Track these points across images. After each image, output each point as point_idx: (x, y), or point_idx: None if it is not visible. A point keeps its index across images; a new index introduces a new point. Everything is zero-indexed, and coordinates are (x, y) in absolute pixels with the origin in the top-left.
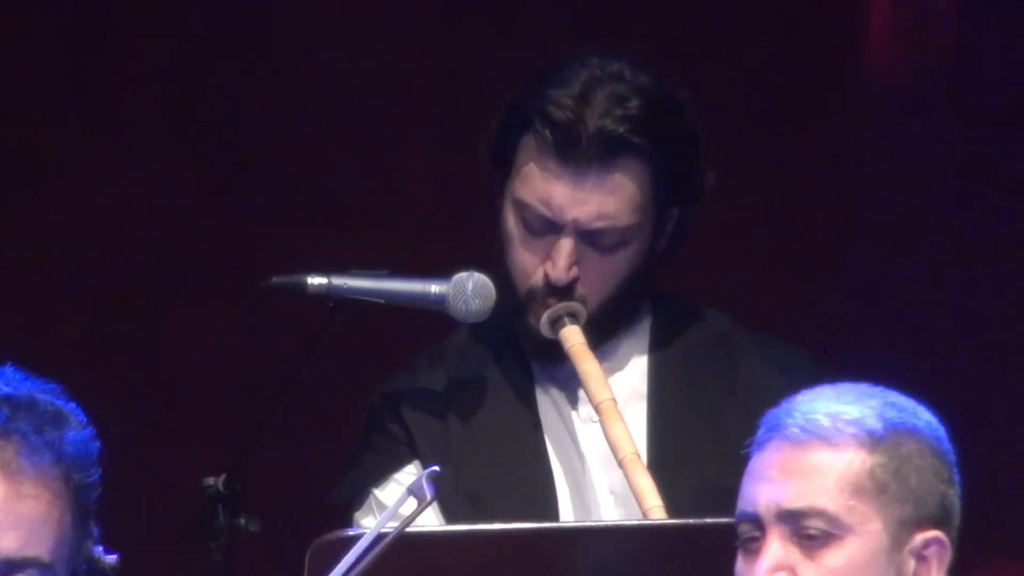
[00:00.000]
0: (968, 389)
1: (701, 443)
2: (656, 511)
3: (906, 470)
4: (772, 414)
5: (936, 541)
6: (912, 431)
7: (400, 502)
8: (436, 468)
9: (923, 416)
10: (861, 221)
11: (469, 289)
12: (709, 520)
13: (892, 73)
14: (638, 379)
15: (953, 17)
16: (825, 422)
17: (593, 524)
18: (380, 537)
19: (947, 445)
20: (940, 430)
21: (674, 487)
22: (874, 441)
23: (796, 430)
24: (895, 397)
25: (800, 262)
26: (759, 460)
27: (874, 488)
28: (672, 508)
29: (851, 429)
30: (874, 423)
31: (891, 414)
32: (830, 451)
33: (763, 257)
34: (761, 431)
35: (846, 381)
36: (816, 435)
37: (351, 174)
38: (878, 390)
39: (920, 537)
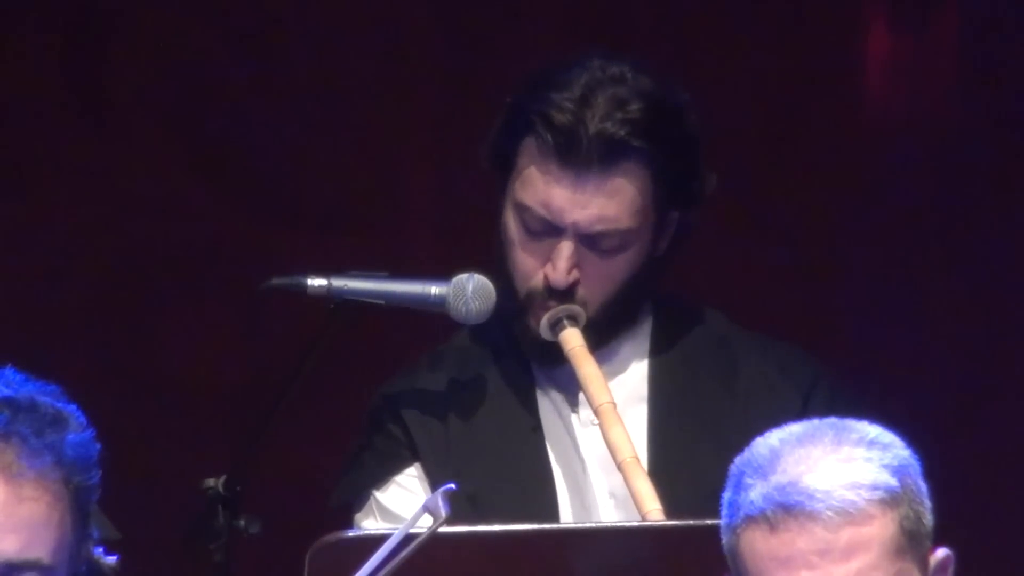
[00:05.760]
0: (966, 390)
1: (702, 445)
2: (655, 515)
3: (919, 509)
4: (774, 486)
5: (946, 558)
6: (908, 466)
7: (414, 519)
8: (452, 486)
9: (900, 443)
10: (859, 226)
11: (469, 291)
12: (709, 521)
13: (892, 88)
14: (639, 382)
15: (954, 32)
16: (851, 496)
17: (592, 525)
18: (387, 551)
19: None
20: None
21: (675, 490)
22: (895, 499)
23: (828, 513)
24: (874, 432)
25: (797, 265)
26: (783, 545)
27: (906, 541)
28: (673, 510)
29: (877, 495)
30: (888, 479)
31: (889, 459)
32: (866, 527)
33: (760, 261)
34: (763, 506)
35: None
36: (848, 515)
37: (351, 175)
38: (854, 432)
39: (933, 560)
